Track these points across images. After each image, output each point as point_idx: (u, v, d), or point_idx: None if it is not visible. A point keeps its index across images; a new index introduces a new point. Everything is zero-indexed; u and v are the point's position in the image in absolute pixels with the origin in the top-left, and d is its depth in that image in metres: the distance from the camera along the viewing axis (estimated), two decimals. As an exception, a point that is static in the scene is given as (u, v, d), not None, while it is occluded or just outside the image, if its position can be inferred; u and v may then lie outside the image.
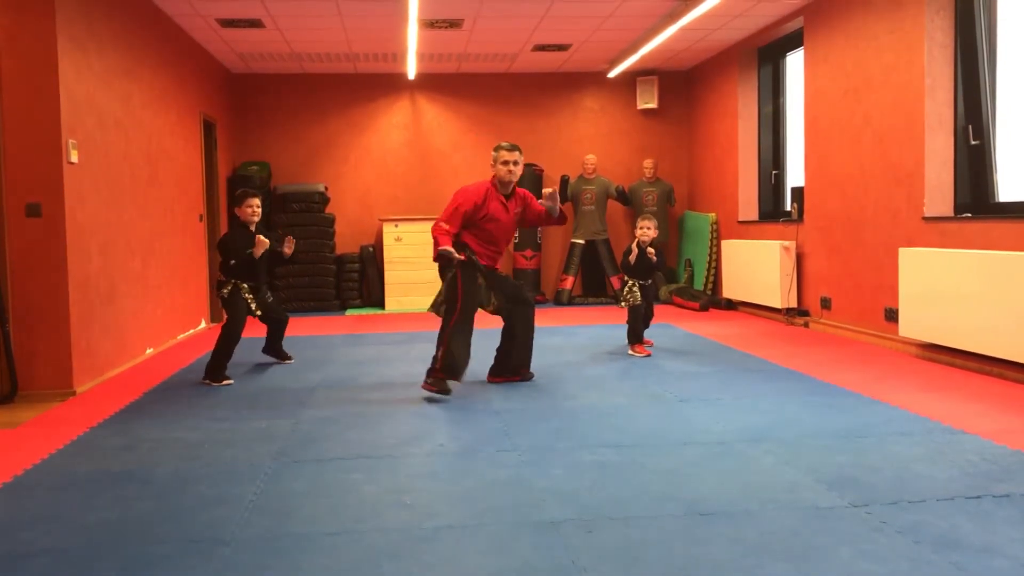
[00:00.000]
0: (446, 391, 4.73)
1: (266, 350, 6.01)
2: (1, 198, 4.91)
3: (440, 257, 4.73)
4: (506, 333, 5.18)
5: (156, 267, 6.75)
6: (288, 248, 5.69)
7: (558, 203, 5.18)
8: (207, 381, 5.29)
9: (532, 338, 5.20)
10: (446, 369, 4.74)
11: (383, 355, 6.32)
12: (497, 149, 5.05)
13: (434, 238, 4.76)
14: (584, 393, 4.83)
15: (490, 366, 5.24)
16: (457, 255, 4.73)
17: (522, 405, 4.57)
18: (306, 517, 2.91)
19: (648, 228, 6.10)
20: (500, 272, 5.19)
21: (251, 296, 5.51)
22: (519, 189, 5.17)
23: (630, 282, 6.16)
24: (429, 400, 4.69)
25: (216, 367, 5.30)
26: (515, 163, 5.00)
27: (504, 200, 5.05)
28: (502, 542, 2.66)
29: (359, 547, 2.64)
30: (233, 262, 5.42)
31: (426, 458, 3.61)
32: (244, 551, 2.62)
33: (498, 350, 5.22)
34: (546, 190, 5.20)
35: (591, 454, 3.60)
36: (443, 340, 4.80)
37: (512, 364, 5.18)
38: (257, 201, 5.58)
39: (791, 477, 3.23)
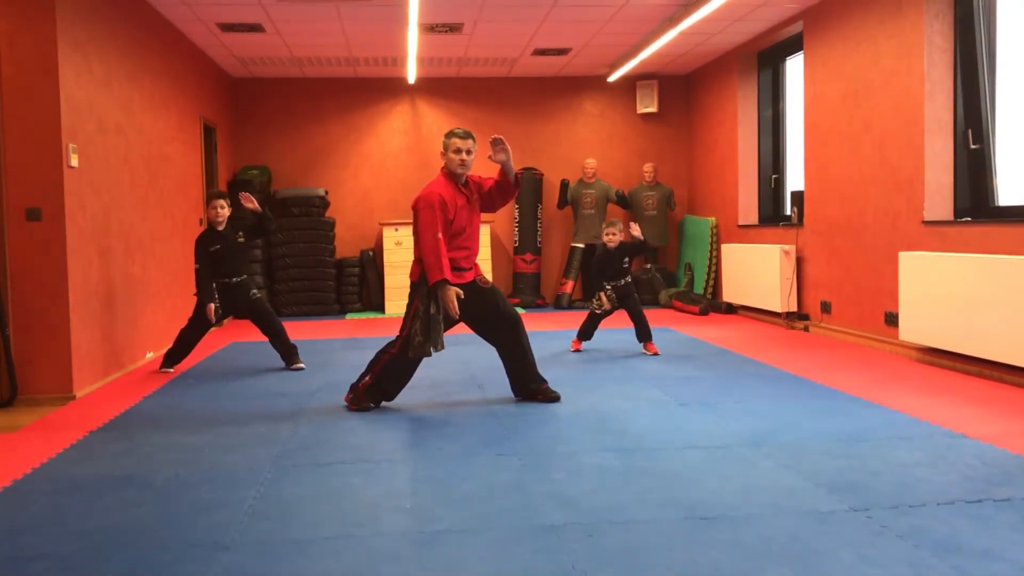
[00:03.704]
0: (366, 408, 4.62)
1: (284, 362, 5.99)
2: (1, 202, 4.92)
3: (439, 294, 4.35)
4: (501, 357, 4.80)
5: (156, 271, 6.75)
6: (249, 202, 5.78)
7: (510, 156, 4.53)
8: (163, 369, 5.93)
9: (527, 356, 4.74)
10: (369, 394, 4.63)
11: (383, 359, 6.31)
12: (449, 136, 4.52)
13: (428, 265, 4.33)
14: (584, 397, 4.82)
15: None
16: (453, 297, 4.35)
17: (522, 409, 4.56)
18: (306, 521, 2.91)
19: (613, 234, 6.20)
20: (480, 285, 4.65)
21: (217, 299, 5.80)
22: (469, 176, 4.66)
23: (606, 288, 6.22)
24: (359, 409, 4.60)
25: (168, 354, 5.95)
26: (468, 152, 4.49)
27: (463, 192, 4.56)
28: (502, 546, 2.65)
29: (359, 551, 2.64)
30: (198, 267, 5.78)
31: (426, 462, 3.61)
32: (244, 555, 2.62)
33: (505, 369, 4.84)
34: (494, 138, 4.54)
35: (591, 458, 3.60)
36: (374, 368, 4.62)
37: (522, 386, 4.77)
38: (222, 202, 5.86)
39: (791, 481, 3.23)
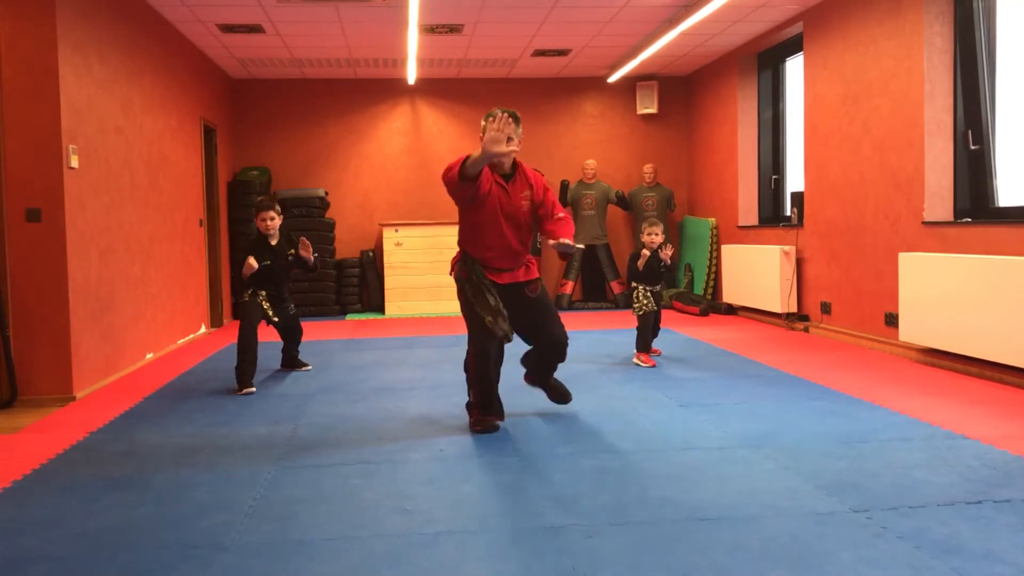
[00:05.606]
0: (492, 428, 4.12)
1: (283, 364, 5.97)
2: (1, 203, 4.92)
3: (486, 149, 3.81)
4: (534, 350, 4.46)
5: (156, 272, 6.75)
6: (306, 252, 5.49)
7: (570, 254, 4.21)
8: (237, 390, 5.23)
9: (553, 367, 4.46)
10: (480, 407, 4.15)
11: (383, 360, 6.32)
12: (486, 117, 4.02)
13: (452, 170, 3.89)
14: (584, 398, 4.82)
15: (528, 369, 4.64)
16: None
17: (521, 410, 4.56)
18: (305, 523, 2.91)
19: (656, 234, 5.95)
20: (529, 291, 4.28)
21: (268, 304, 5.47)
22: (529, 171, 4.23)
23: (639, 289, 5.99)
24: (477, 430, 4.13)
25: (239, 376, 5.22)
26: (508, 137, 3.92)
27: (503, 182, 4.07)
28: (502, 548, 2.65)
29: (358, 553, 2.64)
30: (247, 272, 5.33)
31: (426, 464, 3.61)
32: (244, 557, 2.62)
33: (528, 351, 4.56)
34: (566, 243, 4.07)
35: (591, 459, 3.60)
36: (468, 379, 4.24)
37: (539, 375, 4.51)
38: (272, 213, 5.45)
39: (791, 482, 3.23)
